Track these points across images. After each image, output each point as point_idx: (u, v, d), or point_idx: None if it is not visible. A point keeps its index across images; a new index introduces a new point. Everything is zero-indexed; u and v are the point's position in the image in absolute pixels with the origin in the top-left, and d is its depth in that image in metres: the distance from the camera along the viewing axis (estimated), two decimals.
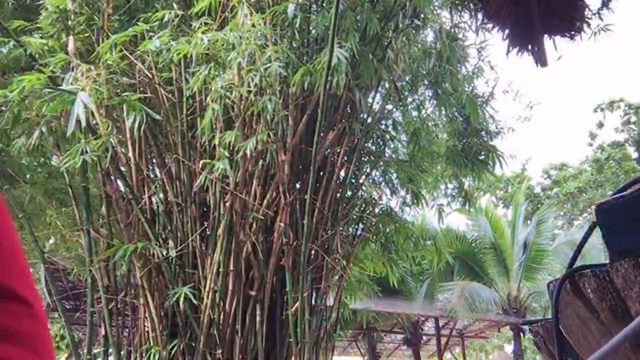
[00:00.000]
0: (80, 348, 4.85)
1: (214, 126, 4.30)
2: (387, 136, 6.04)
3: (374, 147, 5.99)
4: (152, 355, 4.19)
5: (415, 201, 6.12)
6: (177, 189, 4.64)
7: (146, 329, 4.47)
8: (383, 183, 6.21)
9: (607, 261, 1.22)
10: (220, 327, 4.31)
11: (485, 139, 5.91)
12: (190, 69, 4.24)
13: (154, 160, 4.94)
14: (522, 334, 13.97)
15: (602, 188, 19.66)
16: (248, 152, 4.04)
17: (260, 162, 4.62)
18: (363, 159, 5.89)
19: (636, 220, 1.15)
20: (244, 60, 3.89)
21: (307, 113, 4.71)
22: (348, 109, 5.26)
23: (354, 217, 5.81)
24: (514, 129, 6.08)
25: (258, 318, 4.43)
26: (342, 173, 5.29)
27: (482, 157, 5.84)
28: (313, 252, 4.82)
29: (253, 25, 4.04)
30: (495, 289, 13.94)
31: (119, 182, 4.69)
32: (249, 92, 4.05)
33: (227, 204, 4.40)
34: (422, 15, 5.02)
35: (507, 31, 3.24)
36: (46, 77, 3.79)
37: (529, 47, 3.22)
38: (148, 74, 4.37)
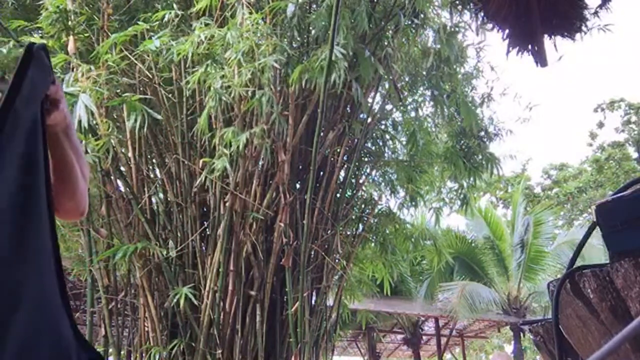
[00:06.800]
0: None
1: (214, 126, 4.30)
2: (387, 136, 6.04)
3: (373, 147, 5.98)
4: (152, 355, 4.19)
5: (413, 202, 6.10)
6: (177, 189, 4.64)
7: (146, 329, 4.47)
8: (383, 183, 6.20)
9: (607, 261, 1.22)
10: (220, 327, 4.31)
11: (485, 140, 5.88)
12: (190, 69, 4.24)
13: (154, 160, 4.94)
14: (522, 334, 13.93)
15: (602, 188, 19.62)
16: (241, 145, 4.01)
17: (260, 162, 4.62)
18: (363, 159, 5.89)
19: (636, 220, 1.15)
20: (240, 56, 3.88)
21: (307, 113, 4.70)
22: (348, 109, 5.26)
23: (354, 217, 5.81)
24: (512, 131, 6.04)
25: (258, 318, 4.43)
26: (342, 173, 5.29)
27: (478, 160, 5.79)
28: (313, 252, 4.82)
29: (252, 25, 4.03)
30: (495, 289, 13.91)
31: (119, 182, 4.69)
32: (247, 89, 4.04)
33: (227, 204, 4.39)
34: (421, 15, 5.02)
35: (507, 31, 3.23)
36: None
37: (529, 47, 3.22)
38: (148, 74, 4.36)
